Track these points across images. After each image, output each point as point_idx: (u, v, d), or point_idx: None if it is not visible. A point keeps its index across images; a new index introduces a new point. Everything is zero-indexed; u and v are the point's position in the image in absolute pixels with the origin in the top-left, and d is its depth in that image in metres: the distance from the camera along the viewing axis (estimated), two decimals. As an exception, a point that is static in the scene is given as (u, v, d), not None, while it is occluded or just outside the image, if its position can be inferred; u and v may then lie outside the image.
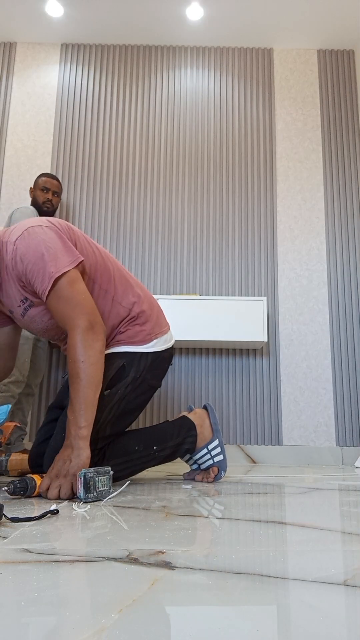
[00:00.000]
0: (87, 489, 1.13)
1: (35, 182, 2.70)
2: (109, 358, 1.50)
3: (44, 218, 1.49)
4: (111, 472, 1.23)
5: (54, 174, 3.08)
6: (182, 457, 1.64)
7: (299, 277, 3.02)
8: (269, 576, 0.58)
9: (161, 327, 1.63)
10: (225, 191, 3.12)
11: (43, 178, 2.70)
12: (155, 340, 1.59)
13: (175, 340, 2.66)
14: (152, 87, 3.27)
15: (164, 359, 1.63)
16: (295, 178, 3.15)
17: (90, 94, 3.24)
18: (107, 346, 1.55)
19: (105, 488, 1.19)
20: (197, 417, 1.66)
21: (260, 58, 3.32)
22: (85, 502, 1.13)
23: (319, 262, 3.03)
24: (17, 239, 1.39)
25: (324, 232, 3.08)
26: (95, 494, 1.15)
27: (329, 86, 3.29)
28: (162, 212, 3.08)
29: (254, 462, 2.73)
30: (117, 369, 1.49)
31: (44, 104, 3.22)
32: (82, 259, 1.44)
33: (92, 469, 1.17)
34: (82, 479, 1.13)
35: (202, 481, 1.62)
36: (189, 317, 2.65)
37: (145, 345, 1.57)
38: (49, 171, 3.10)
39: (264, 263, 3.02)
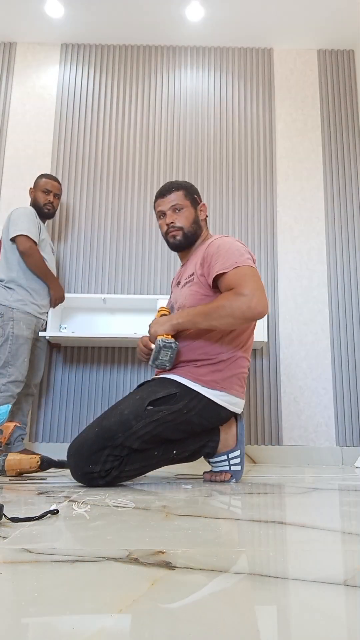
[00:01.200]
0: (154, 355, 1.55)
1: (36, 183, 2.67)
2: (168, 380, 1.59)
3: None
4: (176, 348, 1.57)
5: (54, 174, 3.08)
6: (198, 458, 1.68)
7: (299, 277, 3.02)
8: (269, 576, 0.58)
9: (235, 390, 1.63)
10: (225, 191, 3.12)
11: (44, 179, 2.66)
12: (218, 392, 1.58)
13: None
14: (152, 87, 3.26)
15: (218, 414, 1.60)
16: (295, 178, 3.15)
17: (90, 94, 3.24)
18: (174, 369, 1.63)
19: (166, 359, 1.55)
20: (227, 424, 1.67)
21: (260, 58, 3.32)
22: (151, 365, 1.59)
23: (319, 262, 3.03)
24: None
25: (324, 232, 3.08)
26: (157, 362, 1.56)
27: (329, 86, 3.29)
28: (162, 212, 3.08)
29: (254, 462, 2.73)
30: (168, 393, 1.55)
31: (44, 104, 3.22)
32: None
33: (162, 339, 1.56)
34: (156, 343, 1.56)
35: (209, 480, 1.63)
36: (189, 317, 2.65)
37: (206, 389, 1.57)
38: (48, 171, 3.09)
39: (264, 263, 3.02)
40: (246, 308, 1.47)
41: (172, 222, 1.72)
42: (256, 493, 1.35)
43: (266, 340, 2.68)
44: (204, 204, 1.79)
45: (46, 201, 2.63)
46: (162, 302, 2.66)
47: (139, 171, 3.14)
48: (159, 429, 1.48)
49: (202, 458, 1.73)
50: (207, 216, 1.81)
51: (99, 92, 3.25)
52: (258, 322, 2.67)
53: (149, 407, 1.50)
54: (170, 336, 1.58)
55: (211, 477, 1.65)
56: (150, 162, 3.15)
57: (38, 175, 2.73)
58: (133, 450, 1.46)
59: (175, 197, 1.72)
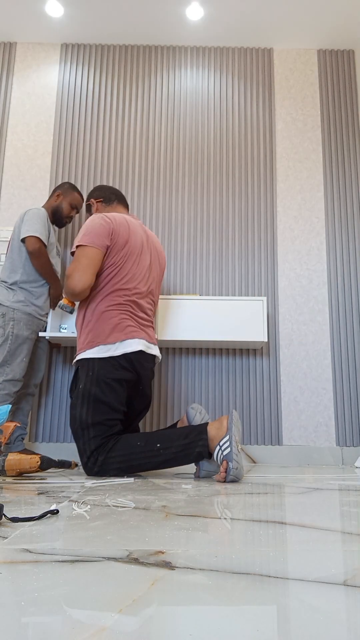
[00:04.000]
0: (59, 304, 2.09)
1: (68, 193, 2.66)
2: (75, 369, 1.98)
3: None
4: (68, 310, 2.08)
5: (54, 174, 3.09)
6: (202, 460, 1.74)
7: (299, 277, 3.02)
8: (269, 576, 0.58)
9: (104, 336, 1.90)
10: (225, 191, 3.12)
11: (76, 194, 2.68)
12: (97, 348, 1.88)
13: (176, 340, 2.67)
14: (152, 87, 3.26)
15: (114, 367, 1.88)
16: (295, 178, 3.15)
17: (90, 94, 3.24)
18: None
19: (66, 310, 2.09)
20: (217, 421, 1.74)
21: (260, 58, 3.32)
22: None
23: (319, 262, 3.03)
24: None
25: (324, 232, 3.08)
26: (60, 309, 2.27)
27: (329, 86, 3.29)
28: (162, 212, 3.08)
29: (254, 462, 2.73)
30: (74, 376, 1.94)
31: (44, 104, 3.22)
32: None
33: None
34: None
35: (217, 481, 1.65)
36: (189, 317, 2.65)
37: (89, 351, 1.90)
38: (48, 171, 3.09)
39: (264, 263, 3.02)
40: (66, 287, 1.92)
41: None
42: (256, 493, 1.35)
43: (266, 340, 2.68)
44: (91, 200, 2.34)
45: (70, 214, 2.68)
46: (162, 302, 2.67)
47: (139, 171, 3.14)
48: (87, 397, 1.84)
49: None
50: (97, 202, 2.32)
51: (99, 92, 3.25)
52: (258, 322, 2.69)
53: (73, 396, 1.90)
54: (67, 300, 2.04)
55: (218, 478, 1.66)
56: (150, 162, 3.15)
57: (68, 183, 2.71)
58: (93, 425, 1.79)
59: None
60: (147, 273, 2.08)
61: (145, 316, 2.02)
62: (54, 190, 2.70)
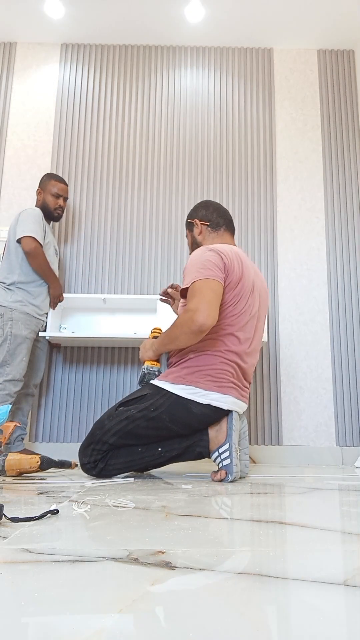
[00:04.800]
0: (141, 377, 1.82)
1: (45, 185, 2.65)
2: (148, 385, 1.79)
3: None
4: (159, 373, 1.82)
5: (54, 174, 3.08)
6: (201, 458, 1.76)
7: (299, 277, 3.02)
8: (269, 576, 0.58)
9: (204, 383, 1.70)
10: (225, 191, 3.12)
11: (53, 182, 2.64)
12: (183, 386, 1.70)
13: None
14: (152, 87, 3.26)
15: (189, 410, 1.68)
16: (295, 178, 3.15)
17: (90, 94, 3.24)
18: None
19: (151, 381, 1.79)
20: (217, 423, 1.73)
21: (260, 58, 3.32)
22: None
23: (319, 262, 3.03)
24: None
25: (324, 232, 3.08)
26: (143, 384, 1.81)
27: (329, 86, 3.29)
28: (162, 212, 3.08)
29: (254, 462, 2.73)
30: (140, 395, 1.75)
31: (44, 103, 3.22)
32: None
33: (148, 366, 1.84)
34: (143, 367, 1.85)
35: (213, 480, 1.67)
36: (189, 317, 2.65)
37: (173, 385, 1.72)
38: (48, 171, 3.09)
39: (264, 263, 3.02)
40: (190, 322, 1.62)
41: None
42: (256, 493, 1.35)
43: (266, 340, 2.68)
44: (195, 221, 1.97)
45: (57, 205, 2.64)
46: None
47: (139, 171, 3.13)
48: (130, 426, 1.68)
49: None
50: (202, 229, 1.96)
51: (99, 92, 3.25)
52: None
53: (120, 408, 1.73)
54: (155, 362, 1.85)
55: (212, 477, 1.69)
56: (150, 162, 3.15)
57: (44, 175, 2.70)
58: (111, 445, 1.69)
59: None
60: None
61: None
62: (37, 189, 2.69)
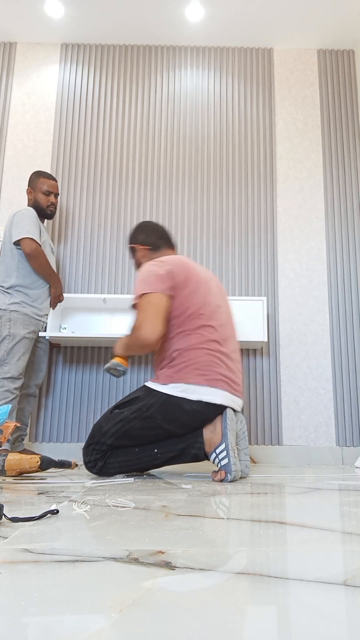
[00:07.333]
0: (109, 365, 1.88)
1: (35, 183, 2.62)
2: (141, 387, 1.85)
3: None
4: (123, 371, 1.87)
5: (54, 174, 3.08)
6: (197, 461, 1.78)
7: (299, 277, 3.01)
8: (269, 576, 0.58)
9: (193, 378, 1.75)
10: (225, 191, 3.12)
11: (42, 179, 2.61)
12: (174, 384, 1.75)
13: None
14: (152, 87, 3.26)
15: (180, 407, 1.73)
16: (295, 178, 3.15)
17: (90, 94, 3.24)
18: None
19: (115, 374, 1.89)
20: (212, 424, 1.75)
21: (260, 58, 3.32)
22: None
23: (319, 262, 3.03)
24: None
25: (324, 232, 3.07)
26: (110, 372, 1.88)
27: (329, 86, 3.29)
28: (162, 212, 3.08)
29: (254, 462, 2.73)
30: (132, 397, 1.83)
31: (44, 104, 3.22)
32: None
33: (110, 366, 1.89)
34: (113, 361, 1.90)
35: (214, 480, 1.68)
36: (189, 317, 2.65)
37: (163, 386, 1.78)
38: (49, 171, 3.09)
39: (264, 263, 3.02)
40: (136, 339, 1.77)
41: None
42: (256, 493, 1.35)
43: (266, 340, 2.68)
44: (136, 246, 2.09)
45: (48, 203, 2.61)
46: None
47: (139, 171, 3.13)
48: (125, 427, 1.76)
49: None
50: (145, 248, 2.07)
51: (99, 92, 3.25)
52: (258, 322, 2.69)
53: (115, 411, 1.81)
54: (124, 360, 1.90)
55: (212, 477, 1.70)
56: (150, 162, 3.15)
57: (32, 173, 2.67)
58: (109, 445, 1.77)
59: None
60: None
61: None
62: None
